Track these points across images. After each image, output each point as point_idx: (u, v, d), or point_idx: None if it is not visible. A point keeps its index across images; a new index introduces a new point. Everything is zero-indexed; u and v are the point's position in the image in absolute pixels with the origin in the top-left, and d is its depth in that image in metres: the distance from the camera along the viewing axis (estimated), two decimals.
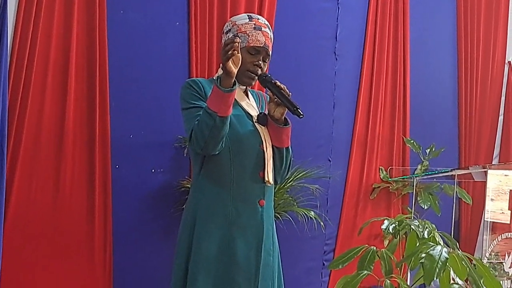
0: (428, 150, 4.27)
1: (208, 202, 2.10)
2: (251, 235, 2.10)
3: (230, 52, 1.91)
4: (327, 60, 4.01)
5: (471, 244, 4.69)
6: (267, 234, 2.14)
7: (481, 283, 2.15)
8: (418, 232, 2.44)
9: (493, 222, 4.03)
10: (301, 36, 3.87)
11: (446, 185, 4.23)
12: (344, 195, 4.08)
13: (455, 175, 4.11)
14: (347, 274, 2.33)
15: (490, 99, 4.91)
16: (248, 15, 2.20)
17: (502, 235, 3.97)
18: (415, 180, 4.11)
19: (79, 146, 2.99)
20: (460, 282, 2.33)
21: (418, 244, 2.39)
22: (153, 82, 3.23)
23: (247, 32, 2.12)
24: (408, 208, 4.27)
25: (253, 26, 2.14)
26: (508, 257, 3.92)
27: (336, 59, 4.03)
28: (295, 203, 3.53)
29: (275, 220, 2.30)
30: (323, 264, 4.00)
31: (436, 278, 2.11)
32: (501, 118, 5.00)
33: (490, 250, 3.98)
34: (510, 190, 4.02)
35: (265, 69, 2.19)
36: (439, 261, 2.11)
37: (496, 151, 4.98)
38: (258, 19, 2.19)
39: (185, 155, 3.22)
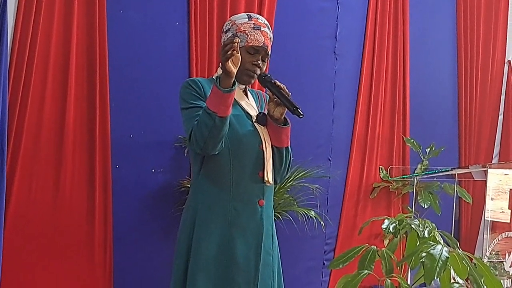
0: (428, 149, 4.27)
1: (208, 202, 2.10)
2: (250, 235, 2.10)
3: (229, 52, 1.91)
4: (327, 60, 4.01)
5: (472, 243, 4.69)
6: (267, 234, 2.14)
7: (482, 282, 2.15)
8: (418, 232, 2.44)
9: (493, 221, 4.03)
10: (301, 35, 3.87)
11: (446, 184, 4.23)
12: (344, 195, 4.08)
13: (455, 174, 4.11)
14: (347, 274, 2.32)
15: (490, 98, 4.91)
16: (247, 15, 2.20)
17: (503, 234, 3.97)
18: (415, 179, 4.11)
19: (79, 146, 2.99)
20: (460, 281, 2.32)
21: (418, 243, 2.39)
22: (153, 81, 3.23)
23: (246, 31, 2.12)
24: (408, 207, 4.27)
25: (252, 25, 2.14)
26: (509, 256, 3.92)
27: (336, 58, 4.03)
28: (295, 203, 3.53)
29: (275, 220, 2.30)
30: (323, 263, 4.00)
31: (437, 278, 2.11)
32: (501, 117, 5.00)
33: (490, 249, 3.98)
34: (510, 189, 4.03)
35: (264, 68, 2.19)
36: (440, 261, 2.10)
37: (496, 150, 4.98)
38: (257, 18, 2.19)
39: (185, 155, 3.22)
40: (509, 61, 5.03)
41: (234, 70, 1.95)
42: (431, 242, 2.28)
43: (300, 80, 3.77)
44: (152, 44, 3.23)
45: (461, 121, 4.71)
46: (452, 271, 2.21)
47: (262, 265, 2.10)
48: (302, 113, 2.04)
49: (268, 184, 2.14)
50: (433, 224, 2.53)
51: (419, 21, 4.47)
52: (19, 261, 2.83)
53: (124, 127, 3.13)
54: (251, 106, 2.21)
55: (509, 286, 3.88)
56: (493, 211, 4.01)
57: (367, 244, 2.41)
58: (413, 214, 4.00)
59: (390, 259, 2.35)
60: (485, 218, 4.04)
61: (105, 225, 3.06)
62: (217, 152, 2.04)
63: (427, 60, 4.56)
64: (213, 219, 2.08)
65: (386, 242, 3.89)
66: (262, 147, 2.13)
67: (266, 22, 2.20)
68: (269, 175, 2.13)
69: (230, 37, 2.13)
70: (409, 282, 2.53)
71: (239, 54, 1.97)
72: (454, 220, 4.26)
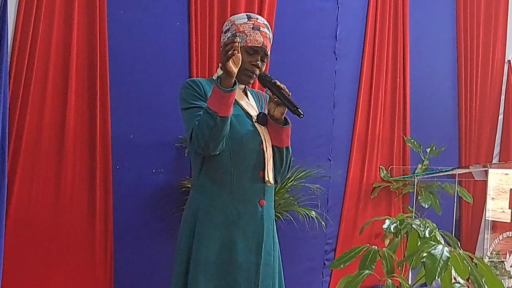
0: (429, 149, 4.27)
1: (208, 202, 2.10)
2: (251, 235, 2.09)
3: (230, 52, 1.91)
4: (327, 60, 4.00)
5: (472, 243, 4.69)
6: (268, 234, 2.14)
7: (483, 282, 2.15)
8: (419, 232, 2.44)
9: (494, 221, 4.03)
10: (301, 35, 3.87)
11: (447, 184, 4.22)
12: (345, 195, 4.08)
13: (456, 174, 4.11)
14: (348, 274, 2.33)
15: (490, 98, 4.91)
16: (247, 15, 2.20)
17: (503, 234, 3.97)
18: (416, 179, 4.11)
19: (80, 146, 2.99)
20: (461, 281, 2.32)
21: (419, 243, 2.39)
22: (153, 82, 3.23)
23: (245, 31, 2.12)
24: (409, 207, 4.27)
25: (252, 26, 2.14)
26: (509, 256, 3.92)
27: (336, 58, 4.03)
28: (295, 203, 3.53)
29: (275, 220, 2.30)
30: (324, 263, 4.00)
31: (438, 278, 2.11)
32: (501, 117, 5.00)
33: (491, 249, 3.98)
34: (511, 188, 4.02)
35: (263, 69, 2.19)
36: (441, 261, 2.11)
37: (497, 150, 4.98)
38: (257, 18, 2.19)
39: (186, 155, 3.22)
40: (509, 61, 5.03)
41: (235, 70, 1.95)
42: (432, 242, 2.28)
43: (300, 80, 3.77)
44: (153, 44, 3.23)
45: (461, 120, 4.71)
46: (453, 271, 2.21)
47: (263, 265, 2.10)
48: (302, 113, 2.04)
49: (269, 184, 2.14)
50: (434, 224, 2.54)
51: (419, 21, 4.47)
52: (20, 261, 2.83)
53: (124, 128, 3.13)
54: (251, 106, 2.21)
55: (510, 286, 3.88)
56: (493, 211, 4.01)
57: (368, 244, 2.41)
58: (413, 214, 4.00)
59: (391, 259, 2.35)
60: (486, 218, 4.04)
61: (105, 225, 3.05)
62: (217, 152, 2.04)
63: (427, 60, 4.56)
64: (213, 219, 2.07)
65: (386, 242, 3.89)
66: (263, 147, 2.12)
67: (265, 22, 2.20)
68: (269, 175, 2.12)
69: (229, 37, 2.13)
70: (410, 282, 2.53)
71: (239, 54, 1.97)
72: (455, 220, 4.25)
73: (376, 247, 2.38)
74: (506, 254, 3.94)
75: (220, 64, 2.00)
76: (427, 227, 2.48)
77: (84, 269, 3.01)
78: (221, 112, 1.94)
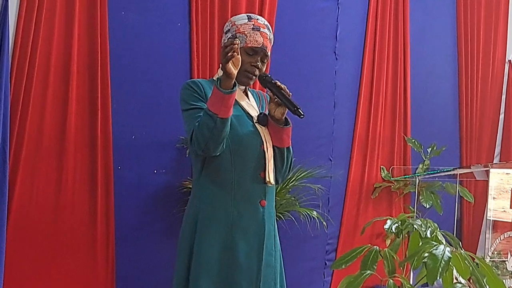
0: (430, 149, 4.27)
1: (209, 203, 2.09)
2: (252, 236, 2.09)
3: (230, 54, 1.90)
4: (327, 60, 4.01)
5: (473, 243, 4.69)
6: (269, 235, 2.13)
7: (484, 282, 2.15)
8: (421, 232, 2.44)
9: (495, 220, 4.03)
10: (301, 35, 3.87)
11: (448, 184, 4.23)
12: (346, 195, 4.08)
13: (457, 174, 4.11)
14: (350, 274, 2.32)
15: (490, 98, 4.92)
16: (247, 15, 2.19)
17: (505, 233, 3.97)
18: (417, 179, 4.11)
19: (81, 147, 2.99)
20: (463, 281, 2.32)
21: (421, 243, 2.39)
22: (154, 82, 3.23)
23: (245, 32, 2.12)
24: (410, 207, 4.27)
25: (252, 26, 2.13)
26: (511, 255, 3.92)
27: (336, 58, 4.04)
28: (297, 203, 3.53)
29: (277, 220, 2.30)
30: (325, 263, 4.00)
31: (439, 278, 2.11)
32: (501, 116, 5.00)
33: (492, 248, 3.98)
34: None
35: (264, 69, 2.18)
36: (442, 261, 2.10)
37: (497, 150, 4.98)
38: (257, 19, 2.18)
39: (186, 155, 3.22)
40: (509, 61, 5.03)
41: (235, 72, 1.95)
42: (433, 242, 2.28)
43: (301, 80, 3.77)
44: (153, 45, 3.23)
45: (462, 120, 4.71)
46: (454, 271, 2.21)
47: (264, 266, 2.10)
48: (303, 113, 2.03)
49: (270, 185, 2.13)
50: (435, 224, 2.53)
51: (419, 21, 4.47)
52: (22, 261, 2.83)
53: (126, 128, 3.14)
54: (251, 106, 2.21)
55: (511, 286, 3.87)
56: (494, 211, 4.01)
57: (369, 245, 2.41)
58: (415, 214, 4.00)
59: (393, 259, 2.35)
60: (487, 218, 4.04)
61: (107, 225, 3.06)
62: (218, 154, 2.04)
63: (427, 60, 4.56)
64: (215, 220, 2.07)
65: (388, 242, 3.89)
66: (263, 148, 2.12)
67: (266, 23, 2.19)
68: (270, 176, 2.12)
69: (229, 38, 2.13)
70: (411, 282, 2.53)
71: (239, 56, 1.96)
72: (456, 219, 4.25)
73: (377, 247, 2.38)
74: (507, 253, 3.94)
75: (220, 65, 1.99)
76: (429, 227, 2.48)
77: (86, 270, 3.01)
78: (221, 114, 1.93)
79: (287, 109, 2.10)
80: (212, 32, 3.37)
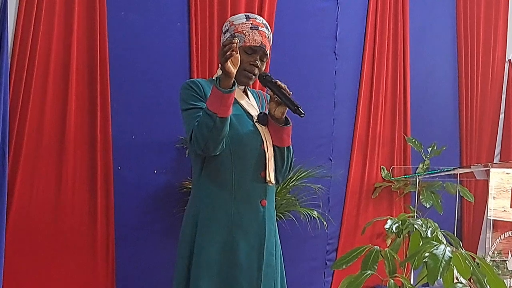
0: (430, 148, 4.26)
1: (210, 203, 2.09)
2: (253, 236, 2.09)
3: (228, 53, 1.90)
4: (327, 60, 4.01)
5: (474, 242, 4.69)
6: (269, 234, 2.13)
7: (485, 282, 2.14)
8: (421, 231, 2.43)
9: (496, 220, 4.02)
10: (301, 35, 3.87)
11: (448, 183, 4.22)
12: (346, 195, 4.08)
13: (457, 173, 4.10)
14: (350, 274, 2.32)
15: (490, 97, 4.91)
16: (245, 15, 2.19)
17: (505, 233, 3.96)
18: (418, 179, 4.10)
19: (81, 147, 2.99)
20: (463, 281, 2.32)
21: (421, 243, 2.39)
22: (154, 82, 3.23)
23: (244, 31, 2.12)
24: (411, 207, 4.26)
25: (250, 25, 2.13)
26: (511, 255, 3.91)
27: (336, 58, 4.03)
28: (297, 203, 3.53)
29: (277, 220, 2.29)
30: (326, 263, 4.00)
31: (440, 278, 2.11)
32: (502, 116, 5.00)
33: (493, 248, 3.97)
34: None
35: (263, 68, 2.18)
36: (443, 261, 2.10)
37: (497, 149, 4.97)
38: (255, 18, 2.18)
39: (186, 155, 3.22)
40: (509, 60, 5.02)
41: (234, 71, 1.95)
42: (434, 242, 2.28)
43: (301, 80, 3.77)
44: (153, 44, 3.23)
45: (462, 120, 4.71)
46: (455, 271, 2.21)
47: (265, 265, 2.09)
48: (303, 112, 2.03)
49: (270, 184, 2.13)
50: (436, 224, 2.53)
51: (419, 21, 4.47)
52: (21, 262, 2.83)
53: (126, 129, 3.14)
54: (251, 106, 2.20)
55: None
56: (495, 210, 4.01)
57: (370, 245, 2.41)
58: (415, 214, 3.99)
59: (393, 259, 2.35)
60: (488, 217, 4.03)
61: (107, 225, 3.06)
62: (218, 153, 2.03)
63: (427, 60, 4.56)
64: (215, 220, 2.07)
65: (388, 242, 3.88)
66: (264, 147, 2.12)
67: (264, 22, 2.19)
68: (271, 175, 2.12)
69: (228, 37, 2.13)
70: (412, 282, 2.52)
71: (238, 55, 1.96)
72: (457, 219, 4.25)
73: (378, 247, 2.37)
74: (508, 253, 3.93)
75: (220, 64, 1.99)
76: (429, 227, 2.48)
77: (86, 270, 3.01)
78: (220, 113, 1.93)
79: (287, 108, 2.10)
80: (212, 32, 3.37)
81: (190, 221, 2.11)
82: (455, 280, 2.29)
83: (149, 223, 3.23)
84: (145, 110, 3.20)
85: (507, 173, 4.01)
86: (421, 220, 2.54)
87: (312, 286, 3.95)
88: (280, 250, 2.23)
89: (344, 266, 2.37)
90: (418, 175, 4.12)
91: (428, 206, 4.06)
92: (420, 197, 4.11)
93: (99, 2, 3.00)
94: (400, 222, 2.60)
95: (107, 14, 3.05)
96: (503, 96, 5.01)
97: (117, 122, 3.09)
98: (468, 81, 4.72)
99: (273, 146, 2.16)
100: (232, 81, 1.95)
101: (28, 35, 2.77)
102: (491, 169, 3.96)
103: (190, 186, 3.06)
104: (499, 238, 3.98)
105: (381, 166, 4.25)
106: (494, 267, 3.51)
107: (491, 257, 3.92)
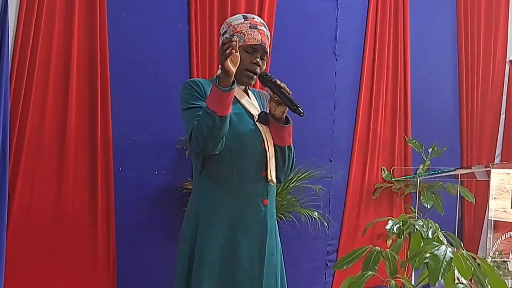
0: (430, 149, 4.26)
1: (210, 202, 2.09)
2: (254, 235, 2.09)
3: (228, 51, 1.91)
4: (327, 61, 4.00)
5: (475, 243, 4.68)
6: (271, 234, 2.13)
7: (486, 282, 2.14)
8: (422, 232, 2.43)
9: (496, 220, 4.02)
10: (301, 36, 3.87)
11: (449, 184, 4.22)
12: (346, 196, 4.07)
13: (458, 174, 4.10)
14: (351, 275, 2.32)
15: (491, 98, 4.91)
16: (243, 15, 2.20)
17: (506, 234, 3.96)
18: (418, 179, 4.10)
19: (81, 148, 2.99)
20: (464, 281, 2.32)
21: (422, 244, 2.39)
22: (154, 83, 3.23)
23: (243, 31, 2.12)
24: (412, 207, 4.26)
25: (249, 25, 2.14)
26: None
27: (336, 59, 4.03)
28: (298, 204, 3.52)
29: (278, 221, 2.29)
30: (327, 264, 3.99)
31: (441, 278, 2.10)
32: (502, 116, 4.99)
33: (494, 249, 3.97)
34: None
35: (264, 67, 2.18)
36: (444, 261, 2.10)
37: (498, 150, 4.97)
38: (253, 18, 2.19)
39: (186, 156, 3.22)
40: (510, 61, 5.02)
41: (233, 69, 1.95)
42: (435, 242, 2.28)
43: (301, 81, 3.76)
44: (153, 46, 3.24)
45: (463, 121, 4.70)
46: (456, 271, 2.20)
47: (266, 265, 2.09)
48: (302, 112, 2.03)
49: (272, 184, 2.13)
50: (437, 225, 2.53)
51: (419, 21, 4.46)
52: (22, 263, 2.83)
53: (126, 129, 3.14)
54: (252, 105, 2.20)
55: None
56: (496, 211, 4.00)
57: (371, 245, 2.41)
58: (416, 215, 3.99)
59: (394, 260, 2.35)
60: (488, 218, 4.03)
61: (108, 226, 3.06)
62: (217, 152, 2.03)
63: (427, 60, 4.55)
64: (216, 219, 2.06)
65: (389, 242, 3.88)
66: (265, 146, 2.12)
67: (262, 21, 2.20)
68: (272, 174, 2.12)
69: (227, 38, 2.13)
70: (413, 283, 2.52)
71: (238, 53, 1.96)
72: (457, 220, 4.25)
73: (379, 248, 2.37)
74: (508, 254, 3.93)
75: (220, 65, 1.99)
76: (430, 227, 2.47)
77: (87, 271, 3.01)
78: (219, 112, 1.93)
79: (287, 108, 2.10)
80: (212, 33, 3.37)
81: (191, 221, 2.11)
82: (456, 281, 2.28)
83: (150, 223, 3.22)
84: (146, 111, 3.20)
85: (507, 173, 4.01)
86: (422, 221, 2.54)
87: (313, 287, 3.95)
88: (281, 250, 2.23)
89: (345, 267, 2.36)
90: (419, 176, 4.12)
91: (428, 207, 4.05)
92: (421, 198, 4.10)
93: (99, 3, 3.00)
94: (401, 222, 2.59)
95: (108, 15, 3.05)
96: (504, 97, 5.01)
97: (117, 123, 3.09)
98: (468, 81, 4.72)
99: (275, 145, 2.16)
100: (232, 79, 1.95)
101: (29, 37, 2.77)
102: (492, 170, 3.96)
103: (190, 187, 3.06)
104: (500, 238, 3.98)
105: (382, 167, 4.24)
106: (495, 268, 3.50)
107: (492, 258, 3.92)
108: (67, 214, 2.94)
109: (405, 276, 2.41)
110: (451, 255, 2.13)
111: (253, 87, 2.29)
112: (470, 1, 4.73)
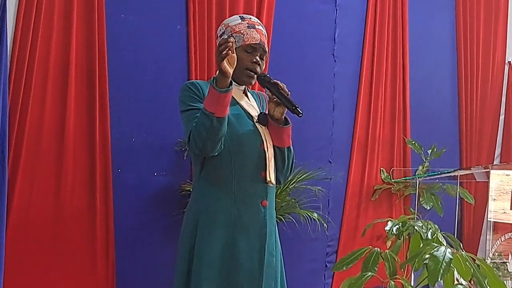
0: (430, 150, 4.26)
1: (210, 204, 2.09)
2: (254, 236, 2.08)
3: (224, 52, 1.91)
4: (326, 62, 4.00)
5: (474, 244, 4.68)
6: (270, 235, 2.13)
7: (485, 283, 2.14)
8: (421, 233, 2.43)
9: (496, 222, 4.02)
10: (299, 38, 3.87)
11: (449, 185, 4.22)
12: (346, 197, 4.07)
13: (457, 175, 4.10)
14: (351, 276, 2.32)
15: (490, 99, 4.91)
16: (240, 16, 2.20)
17: (505, 235, 3.96)
18: (418, 181, 4.10)
19: (80, 149, 2.99)
20: (464, 282, 2.31)
21: (421, 245, 2.39)
22: (153, 85, 3.23)
23: (241, 31, 2.13)
24: (411, 209, 4.25)
25: (247, 25, 2.15)
26: None
27: (335, 60, 4.03)
28: (297, 205, 3.52)
29: (277, 222, 2.29)
30: (326, 265, 3.99)
31: (440, 279, 2.10)
32: (502, 118, 4.99)
33: (493, 250, 3.97)
34: None
35: (264, 67, 2.18)
36: (443, 262, 2.10)
37: (498, 151, 4.96)
38: (250, 18, 2.20)
39: (184, 158, 3.22)
40: (509, 62, 5.02)
41: (230, 70, 1.95)
42: (434, 243, 2.28)
43: (299, 83, 3.76)
44: (152, 47, 3.23)
45: (462, 122, 4.70)
46: (455, 272, 2.20)
47: (265, 266, 2.09)
48: (301, 112, 2.03)
49: (271, 185, 2.13)
50: (436, 226, 2.53)
51: (418, 22, 4.46)
52: (21, 264, 2.82)
53: (126, 131, 3.14)
54: (251, 106, 2.20)
55: None
56: (495, 212, 4.00)
57: (370, 246, 2.41)
58: (415, 216, 3.99)
59: (394, 261, 2.35)
60: (488, 219, 4.03)
61: (106, 228, 3.05)
62: (216, 154, 2.03)
63: (427, 62, 4.55)
64: (215, 220, 2.06)
65: (388, 243, 3.87)
66: (264, 147, 2.11)
67: (259, 21, 2.21)
68: (271, 175, 2.11)
69: (224, 39, 2.13)
70: (412, 284, 2.52)
71: (234, 54, 1.96)
72: (457, 221, 4.24)
73: (378, 249, 2.37)
74: (508, 255, 3.92)
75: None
76: (429, 228, 2.47)
77: (86, 272, 3.01)
78: (217, 113, 1.93)
79: (286, 109, 2.10)
80: (210, 35, 3.37)
81: (190, 222, 2.11)
82: (456, 282, 2.28)
83: (149, 224, 3.22)
84: (144, 112, 3.20)
85: (507, 174, 4.01)
86: (421, 222, 2.54)
87: None
88: (280, 251, 2.23)
89: (344, 268, 2.36)
90: (418, 177, 4.12)
91: (428, 208, 4.05)
92: (420, 199, 4.10)
93: (97, 4, 3.00)
94: (400, 224, 2.59)
95: (106, 16, 3.05)
96: (503, 98, 5.01)
97: (116, 124, 3.09)
98: (468, 82, 4.72)
99: (274, 146, 2.16)
100: (229, 80, 1.95)
101: (27, 38, 2.77)
102: (491, 171, 3.96)
103: (189, 189, 3.06)
104: (500, 239, 3.98)
105: (381, 168, 4.24)
106: (495, 269, 3.50)
107: (491, 259, 3.92)
108: (66, 215, 2.94)
109: (404, 277, 2.40)
110: (451, 256, 2.13)
111: (252, 88, 2.29)
112: (469, 3, 4.73)
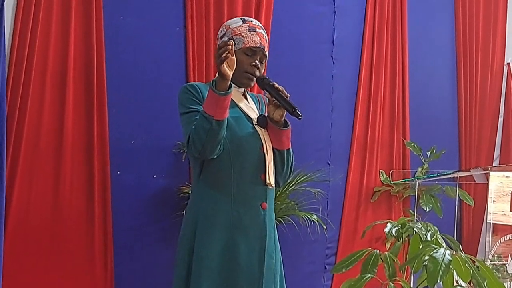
0: (429, 152, 4.25)
1: (209, 207, 2.08)
2: (253, 239, 2.08)
3: (223, 55, 1.91)
4: (324, 64, 4.00)
5: (474, 246, 4.67)
6: (270, 237, 2.13)
7: (485, 285, 2.14)
8: (421, 235, 2.43)
9: (495, 223, 4.02)
10: (298, 40, 3.86)
11: (448, 187, 4.21)
12: (345, 199, 4.06)
13: (457, 177, 4.10)
14: (350, 278, 2.31)
15: (489, 101, 4.90)
16: (241, 18, 2.20)
17: (505, 236, 3.96)
18: (417, 182, 4.09)
19: (78, 152, 2.98)
20: (463, 284, 2.31)
21: (421, 246, 2.38)
22: (151, 87, 3.22)
23: (242, 34, 2.12)
24: (410, 210, 4.25)
25: (247, 28, 2.14)
26: (511, 258, 3.90)
27: (334, 62, 4.03)
28: (296, 207, 3.52)
29: (277, 224, 2.28)
30: (325, 267, 3.98)
31: (440, 281, 2.10)
32: (501, 119, 4.98)
33: (492, 252, 3.96)
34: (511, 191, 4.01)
35: (263, 69, 2.18)
36: (443, 264, 2.10)
37: (497, 153, 4.96)
38: (251, 21, 2.20)
39: (183, 160, 3.21)
40: (508, 64, 5.02)
41: (229, 73, 1.95)
42: (433, 245, 2.28)
43: (298, 85, 3.75)
44: (150, 49, 3.23)
45: (461, 123, 4.70)
46: (455, 274, 2.20)
47: (265, 268, 2.08)
48: (300, 115, 2.03)
49: (270, 187, 2.13)
50: (436, 227, 2.53)
51: (417, 24, 4.46)
52: (20, 266, 2.82)
53: (125, 133, 3.13)
54: (251, 108, 2.20)
55: None
56: (494, 214, 4.00)
57: (369, 248, 2.40)
58: (415, 217, 3.98)
59: (393, 263, 2.34)
60: (487, 221, 4.03)
61: (105, 230, 3.05)
62: (215, 156, 2.03)
63: (426, 63, 4.55)
64: (215, 223, 2.06)
65: (388, 245, 3.87)
66: (263, 150, 2.11)
67: (260, 24, 2.21)
68: (271, 178, 2.11)
69: (224, 41, 2.13)
70: (412, 286, 2.51)
71: (234, 57, 1.96)
72: (456, 223, 4.24)
73: (378, 250, 2.37)
74: (507, 257, 3.92)
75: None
76: (429, 230, 2.47)
77: (84, 274, 3.00)
78: (216, 116, 1.93)
79: (285, 111, 2.10)
80: (208, 37, 3.36)
81: (189, 224, 2.11)
82: (455, 284, 2.28)
83: (148, 227, 3.21)
84: (143, 114, 3.20)
85: (506, 176, 4.01)
86: (421, 224, 2.54)
87: None
88: (280, 253, 2.23)
89: (344, 270, 2.36)
90: (418, 179, 4.11)
91: (427, 210, 4.04)
92: (420, 201, 4.09)
93: (95, 6, 3.00)
94: (399, 225, 2.59)
95: (104, 18, 3.04)
96: (502, 99, 5.00)
97: (115, 126, 3.08)
98: (467, 84, 4.72)
99: (273, 149, 2.16)
100: (228, 83, 1.95)
101: (25, 40, 2.77)
102: (491, 173, 3.96)
103: (188, 191, 3.06)
104: (499, 241, 3.98)
105: (380, 170, 4.23)
106: (494, 270, 3.50)
107: (490, 261, 3.91)
108: (65, 217, 2.93)
109: (404, 279, 2.40)
110: (450, 258, 2.12)
111: (251, 91, 2.29)
112: (468, 4, 4.74)
